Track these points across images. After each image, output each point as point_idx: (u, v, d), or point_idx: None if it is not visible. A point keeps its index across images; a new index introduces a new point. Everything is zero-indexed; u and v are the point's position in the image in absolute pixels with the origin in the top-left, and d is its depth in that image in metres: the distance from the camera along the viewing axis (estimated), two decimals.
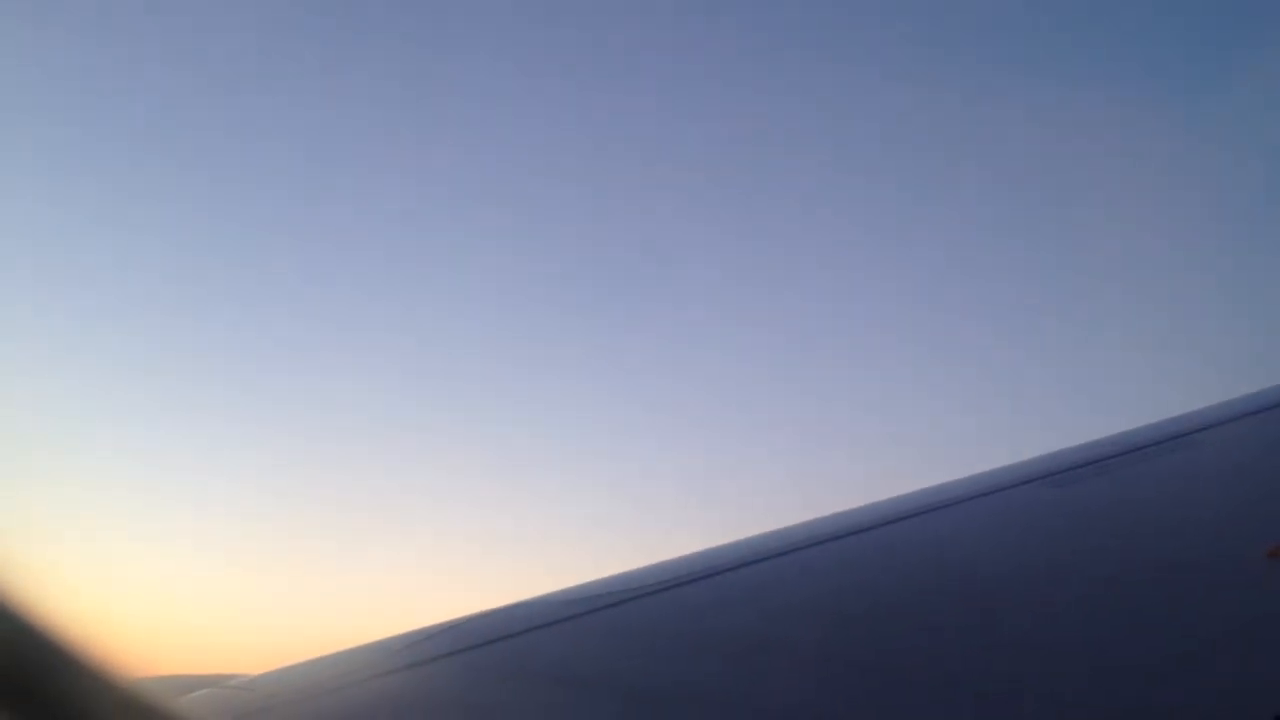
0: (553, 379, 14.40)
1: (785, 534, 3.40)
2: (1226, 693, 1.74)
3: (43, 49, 10.90)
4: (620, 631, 2.61)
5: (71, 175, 12.29)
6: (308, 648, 2.96)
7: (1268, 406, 4.18)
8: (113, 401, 13.04)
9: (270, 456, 13.36)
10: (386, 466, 13.66)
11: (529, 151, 13.61)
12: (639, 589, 2.87)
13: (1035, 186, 13.56)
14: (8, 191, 11.02)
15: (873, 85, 12.90)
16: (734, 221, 14.32)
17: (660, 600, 2.77)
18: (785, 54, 12.79)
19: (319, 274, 14.11)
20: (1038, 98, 12.19)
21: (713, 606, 2.75)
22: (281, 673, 2.79)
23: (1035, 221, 13.92)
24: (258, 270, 13.76)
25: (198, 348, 13.54)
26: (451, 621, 2.93)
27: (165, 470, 13.00)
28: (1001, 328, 14.42)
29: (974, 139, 13.32)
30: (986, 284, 14.31)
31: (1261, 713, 1.65)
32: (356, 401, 13.77)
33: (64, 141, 12.00)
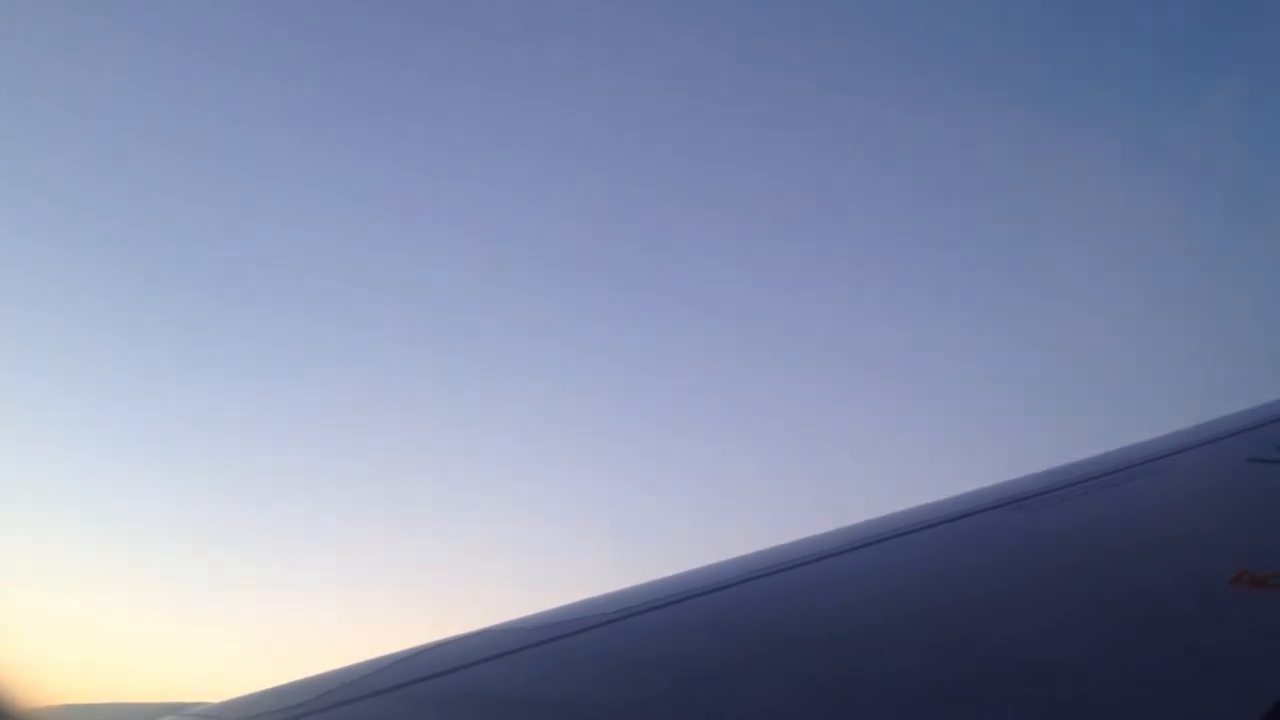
0: (521, 394, 14.35)
1: (747, 561, 3.39)
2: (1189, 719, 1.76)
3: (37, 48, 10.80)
4: (588, 660, 2.60)
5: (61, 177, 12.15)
6: (273, 675, 2.91)
7: (1228, 434, 4.25)
8: (72, 411, 12.82)
9: (233, 476, 13.18)
10: (351, 484, 13.51)
11: (535, 151, 13.65)
12: (606, 615, 2.86)
13: (1005, 200, 13.77)
14: None
15: (870, 94, 13.09)
16: (724, 231, 14.42)
17: (624, 627, 2.76)
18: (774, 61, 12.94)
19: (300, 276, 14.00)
20: (1014, 104, 12.41)
21: (682, 633, 2.74)
22: (244, 700, 2.75)
23: (1013, 230, 14.11)
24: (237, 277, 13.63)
25: (153, 355, 13.37)
26: (420, 647, 2.90)
27: (122, 495, 12.78)
28: (974, 343, 14.58)
29: (949, 147, 13.51)
30: (954, 299, 14.48)
31: None
32: (323, 413, 13.64)
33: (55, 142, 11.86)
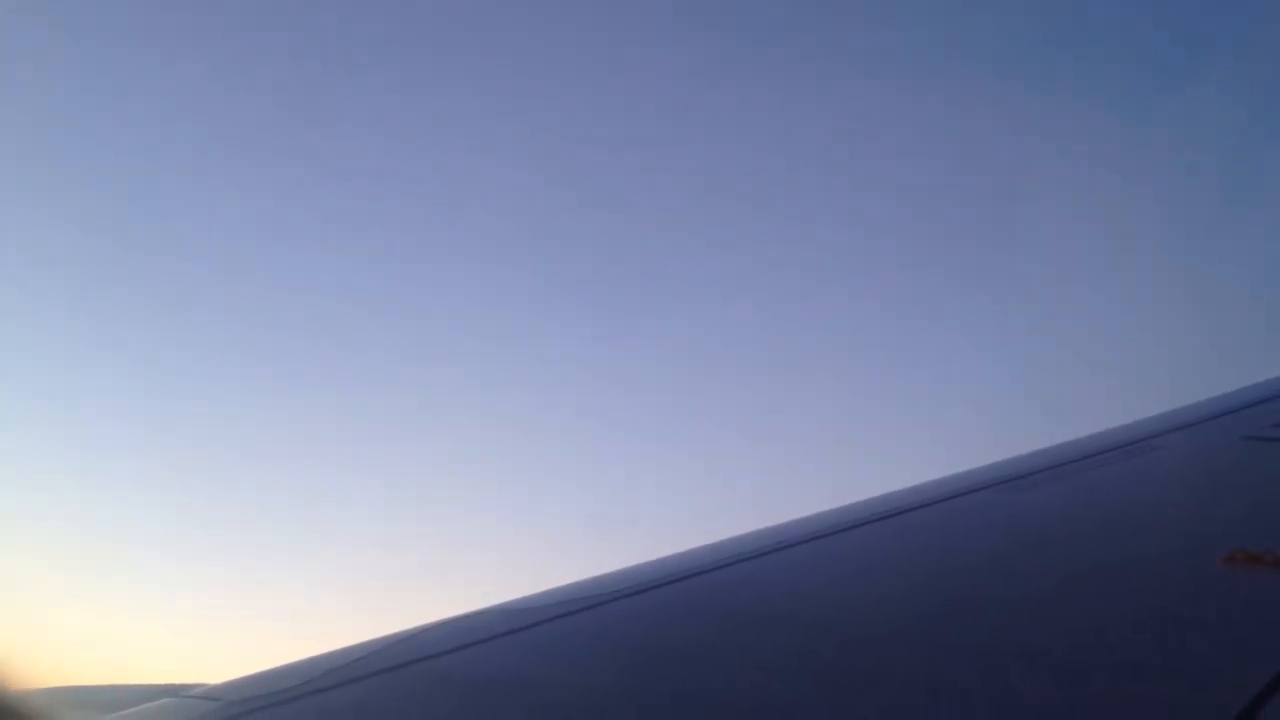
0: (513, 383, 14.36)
1: (736, 543, 3.40)
2: (1178, 699, 1.77)
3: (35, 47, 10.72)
4: (579, 643, 2.61)
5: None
6: (273, 655, 2.92)
7: (1224, 412, 4.26)
8: (69, 400, 12.82)
9: (229, 463, 13.20)
10: (350, 466, 13.54)
11: (523, 148, 13.63)
12: (597, 598, 2.87)
13: (996, 189, 13.75)
14: None
15: (862, 89, 13.05)
16: (715, 224, 14.42)
17: (615, 610, 2.76)
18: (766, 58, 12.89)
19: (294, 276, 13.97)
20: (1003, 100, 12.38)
21: (672, 616, 2.75)
22: (244, 681, 2.76)
23: (1000, 223, 14.11)
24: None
25: (161, 342, 13.36)
26: (414, 629, 2.91)
27: (122, 474, 12.79)
28: (961, 330, 14.59)
29: (937, 142, 13.48)
30: (949, 282, 14.48)
31: (1214, 718, 1.68)
32: (322, 399, 13.65)
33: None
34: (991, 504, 3.43)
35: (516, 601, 3.05)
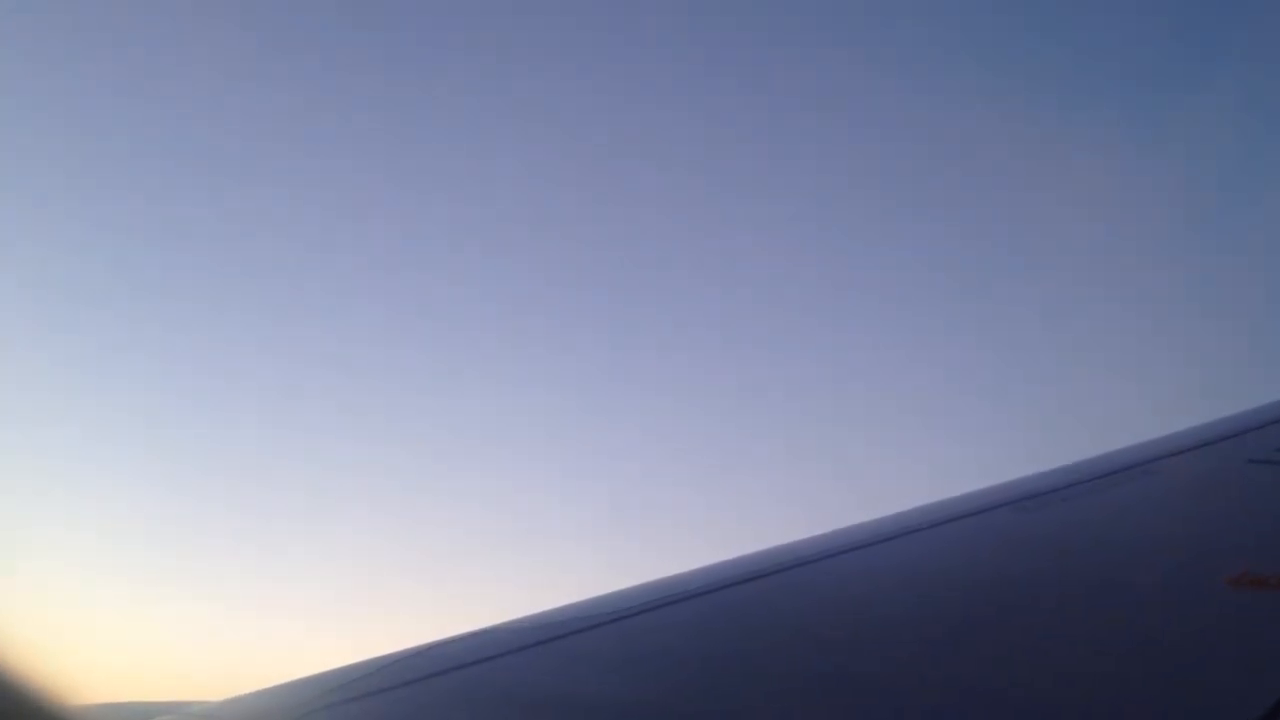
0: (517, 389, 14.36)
1: (749, 560, 3.38)
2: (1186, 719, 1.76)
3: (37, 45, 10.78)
4: (591, 659, 2.59)
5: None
6: (273, 674, 2.90)
7: (1228, 435, 4.25)
8: (70, 411, 12.82)
9: (232, 474, 13.18)
10: (354, 484, 13.51)
11: (527, 150, 13.71)
12: (609, 614, 2.85)
13: (997, 195, 13.81)
14: None
15: (865, 90, 13.14)
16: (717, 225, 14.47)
17: (627, 626, 2.75)
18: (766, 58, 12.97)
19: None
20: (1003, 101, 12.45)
21: (685, 632, 2.74)
22: (244, 699, 2.74)
23: (1002, 231, 14.16)
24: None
25: (159, 351, 13.38)
26: (422, 646, 2.89)
27: (121, 489, 12.77)
28: (973, 343, 14.61)
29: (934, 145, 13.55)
30: (953, 299, 14.52)
31: None
32: (320, 412, 13.64)
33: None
34: (996, 526, 3.43)
35: (530, 618, 3.03)
